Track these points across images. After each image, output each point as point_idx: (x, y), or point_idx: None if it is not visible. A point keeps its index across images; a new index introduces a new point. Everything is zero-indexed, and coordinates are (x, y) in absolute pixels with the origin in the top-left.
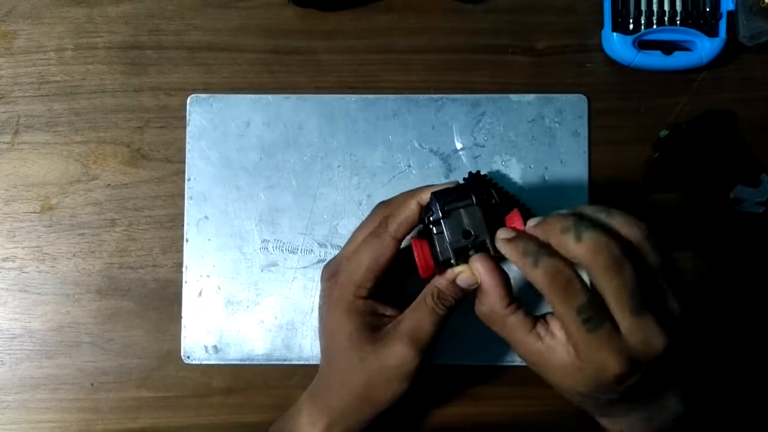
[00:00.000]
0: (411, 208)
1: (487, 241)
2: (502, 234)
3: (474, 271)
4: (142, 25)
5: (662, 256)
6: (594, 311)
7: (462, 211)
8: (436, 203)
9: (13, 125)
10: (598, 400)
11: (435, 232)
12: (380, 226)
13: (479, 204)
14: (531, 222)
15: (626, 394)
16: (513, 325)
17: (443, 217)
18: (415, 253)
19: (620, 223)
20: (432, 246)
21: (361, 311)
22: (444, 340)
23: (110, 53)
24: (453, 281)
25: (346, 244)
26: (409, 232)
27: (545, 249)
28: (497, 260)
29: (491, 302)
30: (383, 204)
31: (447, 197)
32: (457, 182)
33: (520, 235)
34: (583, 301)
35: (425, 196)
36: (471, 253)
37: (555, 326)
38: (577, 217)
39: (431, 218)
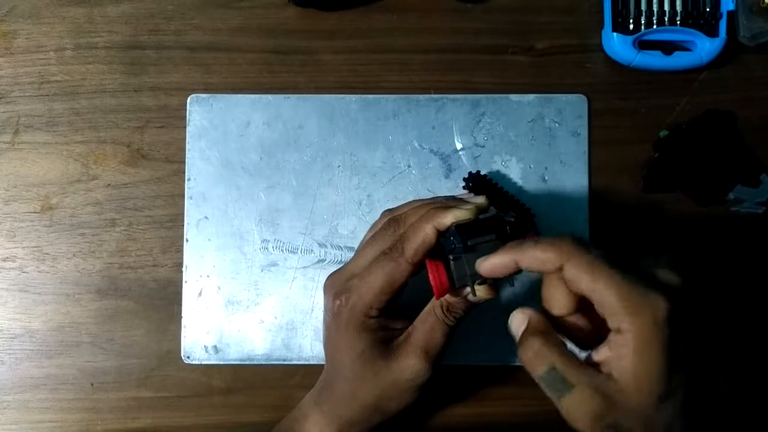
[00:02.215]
0: (428, 233)
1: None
2: (486, 263)
3: (515, 320)
4: (142, 25)
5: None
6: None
7: (484, 245)
8: (459, 237)
9: (13, 125)
10: (674, 394)
11: (452, 258)
12: (395, 248)
13: (501, 239)
14: (487, 263)
15: (684, 373)
16: (569, 354)
17: (465, 252)
18: (431, 276)
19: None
20: (447, 269)
21: (373, 329)
22: None
23: (110, 53)
24: (465, 297)
25: (354, 259)
26: (424, 257)
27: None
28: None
29: (545, 330)
30: (393, 218)
31: (469, 232)
32: (476, 206)
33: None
34: (608, 257)
35: (442, 221)
36: (489, 281)
37: (598, 354)
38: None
39: (451, 249)
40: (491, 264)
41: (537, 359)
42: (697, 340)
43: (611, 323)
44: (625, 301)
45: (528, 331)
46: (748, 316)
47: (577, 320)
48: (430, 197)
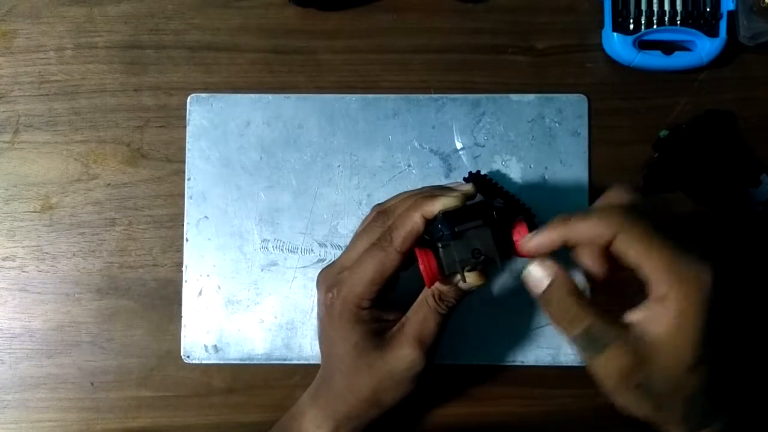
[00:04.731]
0: (416, 222)
1: (497, 259)
2: (525, 242)
3: (532, 272)
4: (142, 25)
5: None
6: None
7: (472, 231)
8: (446, 224)
9: (13, 124)
10: (711, 366)
11: (441, 246)
12: (384, 238)
13: (488, 225)
14: (525, 242)
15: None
16: (600, 313)
17: (453, 239)
18: (421, 264)
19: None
20: (437, 256)
21: (366, 320)
22: (444, 340)
23: (110, 53)
24: (456, 285)
25: (346, 252)
26: (413, 245)
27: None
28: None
29: (570, 289)
30: (382, 210)
31: (457, 219)
32: (462, 194)
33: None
34: (655, 226)
35: (429, 209)
36: (479, 268)
37: (633, 315)
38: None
39: (440, 236)
40: (537, 243)
41: (572, 321)
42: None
43: (655, 291)
44: (675, 273)
45: (556, 289)
46: (748, 316)
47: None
48: (417, 188)
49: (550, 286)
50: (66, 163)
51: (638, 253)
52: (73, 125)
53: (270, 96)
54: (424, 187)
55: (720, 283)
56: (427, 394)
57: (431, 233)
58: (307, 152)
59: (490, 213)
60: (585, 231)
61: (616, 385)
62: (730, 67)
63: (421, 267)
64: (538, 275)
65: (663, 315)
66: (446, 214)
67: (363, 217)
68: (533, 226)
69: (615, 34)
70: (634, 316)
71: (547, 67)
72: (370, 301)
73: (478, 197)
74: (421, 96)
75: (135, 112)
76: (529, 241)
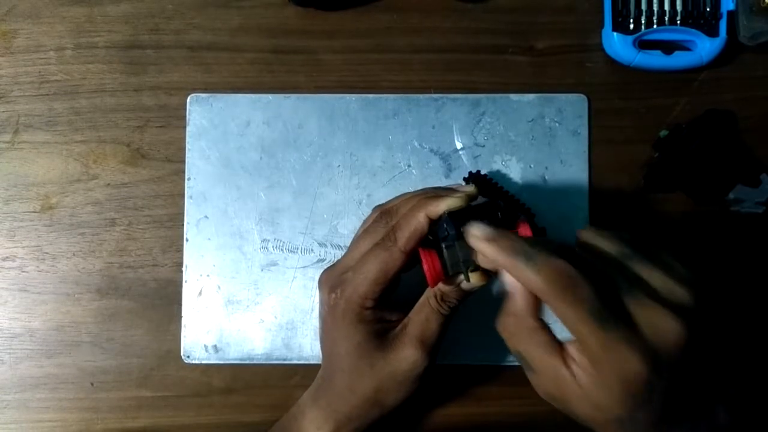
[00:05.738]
0: (420, 221)
1: None
2: (478, 231)
3: (505, 279)
4: (142, 25)
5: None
6: (606, 307)
7: None
8: (452, 224)
9: (13, 124)
10: (638, 424)
11: (444, 246)
12: (387, 238)
13: (493, 224)
14: (479, 231)
15: (666, 409)
16: (539, 342)
17: (457, 239)
18: (425, 265)
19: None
20: (440, 257)
21: (369, 321)
22: (444, 341)
23: (110, 53)
24: (458, 285)
25: (348, 253)
26: (417, 245)
27: (539, 246)
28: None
29: (520, 311)
30: (385, 210)
31: (461, 219)
32: (467, 194)
33: (505, 233)
34: (593, 300)
35: (434, 209)
36: (482, 268)
37: (573, 350)
38: (530, 242)
39: (444, 236)
40: (489, 253)
41: (510, 340)
42: (700, 370)
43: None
44: (597, 360)
45: (509, 305)
46: (748, 316)
47: None
48: (419, 189)
49: (509, 301)
50: (66, 163)
51: (567, 323)
52: (72, 125)
53: (270, 96)
54: (425, 189)
55: (661, 358)
56: (428, 394)
57: (435, 233)
58: (307, 152)
59: (494, 213)
60: (522, 277)
61: (546, 400)
62: (730, 67)
63: (425, 267)
64: (506, 280)
65: (588, 376)
66: (451, 214)
67: (363, 217)
68: (535, 227)
69: (615, 33)
70: (571, 349)
71: (547, 67)
72: (373, 300)
73: (480, 199)
74: (421, 96)
75: (135, 112)
76: (484, 243)
